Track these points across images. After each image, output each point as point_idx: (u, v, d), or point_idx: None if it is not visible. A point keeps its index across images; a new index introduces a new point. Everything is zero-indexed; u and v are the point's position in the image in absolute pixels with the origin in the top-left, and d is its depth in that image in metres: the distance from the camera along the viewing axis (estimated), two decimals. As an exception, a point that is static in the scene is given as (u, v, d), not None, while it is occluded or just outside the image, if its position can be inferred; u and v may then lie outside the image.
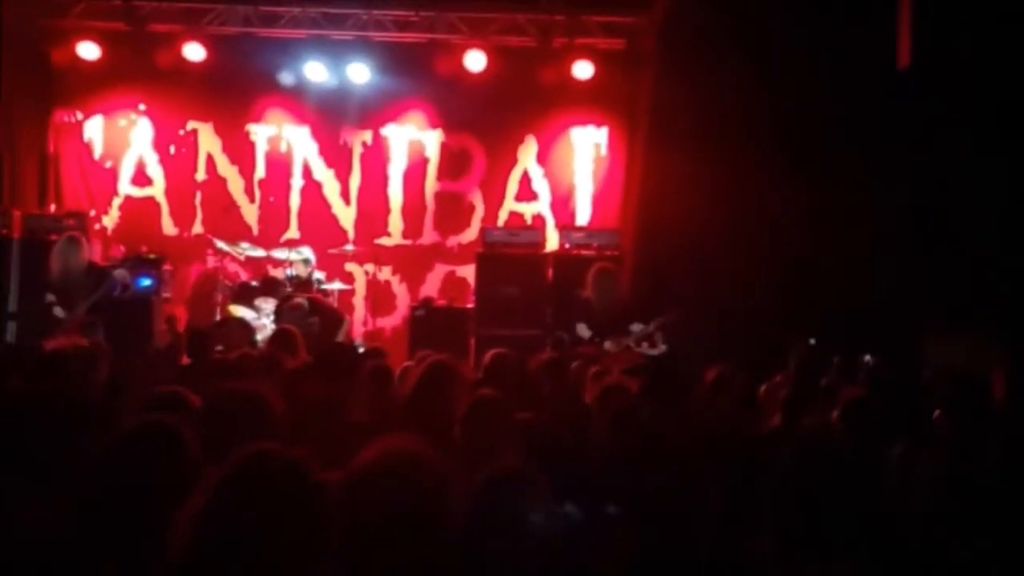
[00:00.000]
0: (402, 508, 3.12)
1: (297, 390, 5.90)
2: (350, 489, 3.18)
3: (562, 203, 14.80)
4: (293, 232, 14.64)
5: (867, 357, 10.88)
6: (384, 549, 3.08)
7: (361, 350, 9.99)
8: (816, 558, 3.68)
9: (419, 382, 5.88)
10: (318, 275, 13.29)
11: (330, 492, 3.15)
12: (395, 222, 14.84)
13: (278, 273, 13.35)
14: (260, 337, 12.03)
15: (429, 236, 14.90)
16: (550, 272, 13.18)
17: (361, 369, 6.68)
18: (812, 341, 11.19)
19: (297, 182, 14.83)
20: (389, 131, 14.85)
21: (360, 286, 14.61)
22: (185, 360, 9.98)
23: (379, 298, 14.62)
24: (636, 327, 11.13)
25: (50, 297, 11.20)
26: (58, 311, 11.09)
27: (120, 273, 11.70)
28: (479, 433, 4.97)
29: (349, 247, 14.16)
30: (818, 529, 3.74)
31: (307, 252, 13.35)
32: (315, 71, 14.33)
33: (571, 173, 14.85)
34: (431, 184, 14.89)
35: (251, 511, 3.03)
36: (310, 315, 11.90)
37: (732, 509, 3.93)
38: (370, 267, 14.51)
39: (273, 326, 11.78)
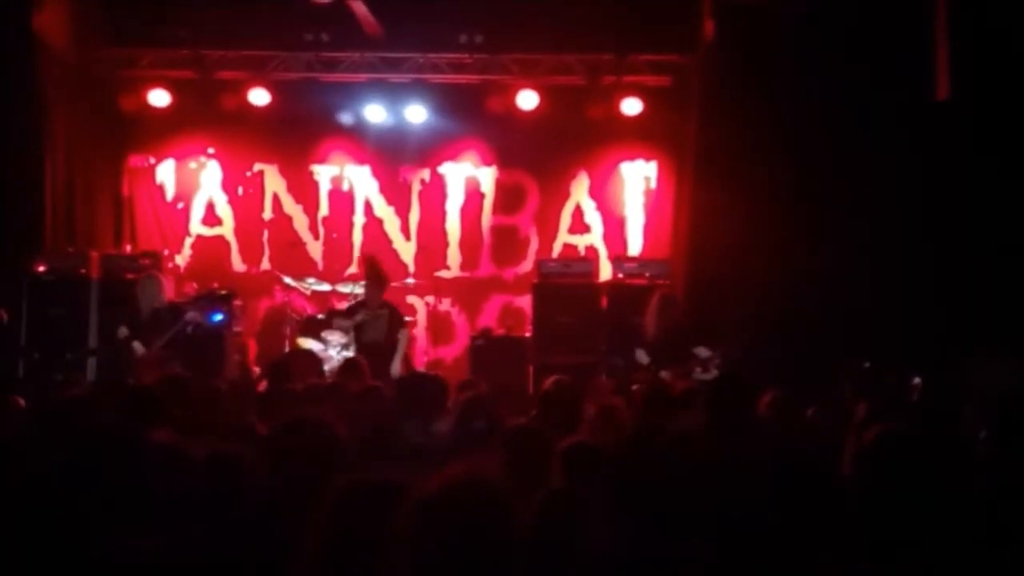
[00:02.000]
0: (470, 534, 3.07)
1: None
2: (421, 513, 3.14)
3: (614, 235, 14.92)
4: (356, 267, 14.76)
5: (916, 379, 11.17)
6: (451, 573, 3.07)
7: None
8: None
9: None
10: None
11: (405, 515, 3.18)
12: (453, 255, 15.05)
13: (343, 306, 13.36)
14: (327, 368, 12.22)
15: (486, 268, 15.10)
16: (604, 301, 13.23)
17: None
18: (866, 364, 11.47)
19: (359, 219, 15.08)
20: (446, 169, 15.08)
21: (421, 317, 14.80)
22: (261, 389, 10.42)
23: (440, 329, 14.85)
24: (702, 351, 11.04)
25: (124, 331, 11.26)
26: (137, 347, 11.19)
27: (192, 315, 11.95)
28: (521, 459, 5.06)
29: (410, 280, 14.43)
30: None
31: None
32: (374, 113, 14.63)
33: (622, 206, 14.96)
34: (487, 218, 15.11)
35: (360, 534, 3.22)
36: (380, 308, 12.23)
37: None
38: (430, 299, 14.76)
39: (339, 357, 12.03)
